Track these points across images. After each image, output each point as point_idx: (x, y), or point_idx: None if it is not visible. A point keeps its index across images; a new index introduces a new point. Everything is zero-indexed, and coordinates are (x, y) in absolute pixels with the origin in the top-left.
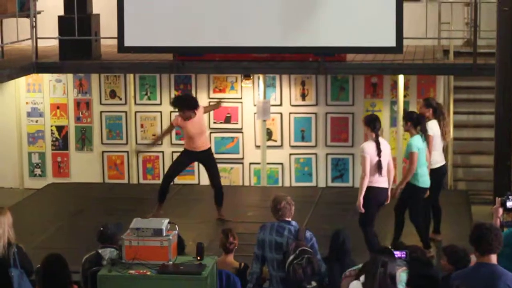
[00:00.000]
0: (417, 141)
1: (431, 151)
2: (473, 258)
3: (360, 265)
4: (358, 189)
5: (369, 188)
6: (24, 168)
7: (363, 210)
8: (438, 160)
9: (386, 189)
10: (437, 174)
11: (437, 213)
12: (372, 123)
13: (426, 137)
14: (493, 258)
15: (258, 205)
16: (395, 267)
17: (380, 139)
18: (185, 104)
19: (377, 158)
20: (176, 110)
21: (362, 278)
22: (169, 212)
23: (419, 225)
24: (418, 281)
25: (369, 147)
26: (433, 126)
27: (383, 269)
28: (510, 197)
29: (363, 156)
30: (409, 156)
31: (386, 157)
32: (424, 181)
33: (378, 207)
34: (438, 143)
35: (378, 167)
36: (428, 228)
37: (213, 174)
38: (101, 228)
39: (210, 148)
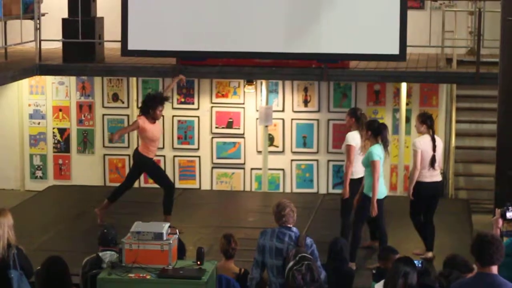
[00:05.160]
0: (378, 149)
1: (352, 162)
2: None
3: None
4: None
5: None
6: (26, 170)
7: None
8: (359, 171)
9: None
10: (357, 184)
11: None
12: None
13: (386, 147)
14: (494, 269)
15: (259, 210)
16: (415, 278)
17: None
18: (157, 100)
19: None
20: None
21: (378, 285)
22: (171, 217)
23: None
24: None
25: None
26: (355, 137)
27: (403, 279)
28: (509, 207)
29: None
30: (371, 165)
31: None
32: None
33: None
34: (358, 156)
35: None
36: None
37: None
38: (104, 230)
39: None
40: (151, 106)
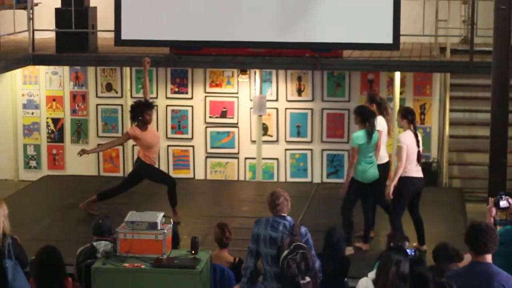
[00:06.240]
0: (360, 136)
1: (380, 147)
2: (467, 258)
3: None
4: None
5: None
6: (19, 160)
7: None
8: (384, 155)
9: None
10: (383, 169)
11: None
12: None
13: (371, 134)
14: (488, 258)
15: (253, 200)
16: (408, 266)
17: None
18: (142, 105)
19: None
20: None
21: (370, 274)
22: (164, 206)
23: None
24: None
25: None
26: (381, 122)
27: (395, 267)
28: (503, 196)
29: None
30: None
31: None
32: (363, 177)
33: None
34: (384, 139)
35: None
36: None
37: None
38: (99, 221)
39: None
40: (138, 112)
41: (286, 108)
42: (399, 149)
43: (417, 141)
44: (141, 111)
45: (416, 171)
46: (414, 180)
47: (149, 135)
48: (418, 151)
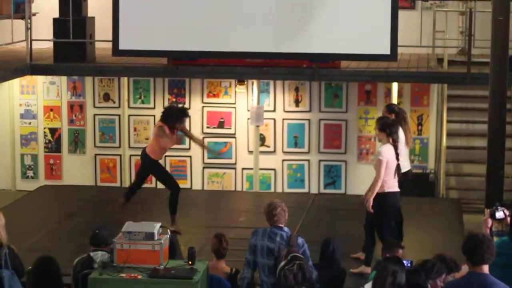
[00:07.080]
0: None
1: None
2: (464, 268)
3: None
4: (350, 196)
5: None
6: (17, 170)
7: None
8: (405, 165)
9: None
10: (403, 179)
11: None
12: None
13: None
14: (485, 268)
15: (250, 210)
16: (404, 277)
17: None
18: (182, 113)
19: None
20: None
21: (367, 285)
22: (162, 217)
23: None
24: None
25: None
26: (398, 132)
27: (392, 278)
28: (499, 207)
29: (383, 160)
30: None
31: None
32: None
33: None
34: (402, 149)
35: None
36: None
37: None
38: (96, 231)
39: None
40: (172, 116)
41: (283, 119)
42: (378, 162)
43: (397, 154)
44: (176, 117)
45: (393, 186)
46: (396, 194)
47: (171, 140)
48: (397, 164)
